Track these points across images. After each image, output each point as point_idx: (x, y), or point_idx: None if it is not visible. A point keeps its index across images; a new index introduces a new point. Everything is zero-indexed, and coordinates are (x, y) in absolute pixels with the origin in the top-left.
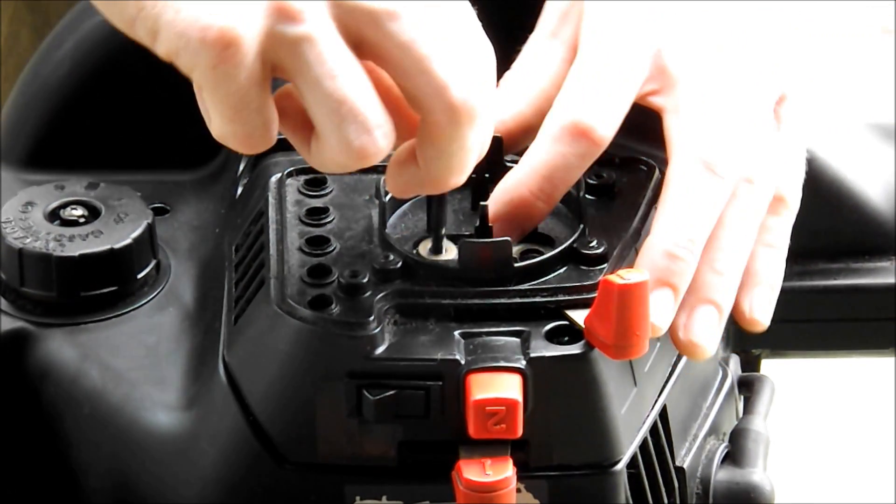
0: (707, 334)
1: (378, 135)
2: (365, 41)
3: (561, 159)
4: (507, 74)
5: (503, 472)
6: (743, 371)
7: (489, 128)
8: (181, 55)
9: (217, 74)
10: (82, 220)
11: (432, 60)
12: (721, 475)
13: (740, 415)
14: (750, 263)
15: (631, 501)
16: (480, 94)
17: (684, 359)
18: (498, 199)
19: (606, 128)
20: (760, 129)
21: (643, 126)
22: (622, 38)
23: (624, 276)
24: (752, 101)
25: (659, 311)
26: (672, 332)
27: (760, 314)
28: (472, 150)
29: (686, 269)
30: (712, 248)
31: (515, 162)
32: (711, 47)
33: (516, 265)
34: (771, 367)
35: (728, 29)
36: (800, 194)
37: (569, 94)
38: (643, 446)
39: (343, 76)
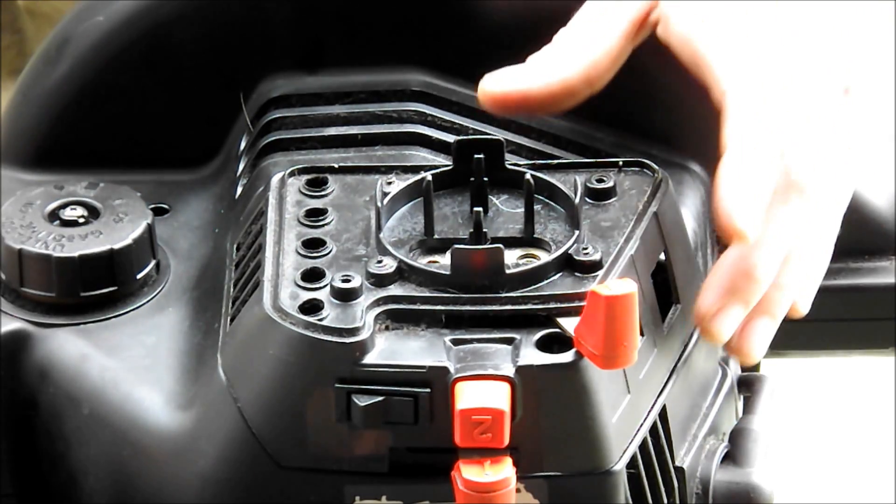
0: (761, 344)
1: None
2: None
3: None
4: (562, 32)
5: (502, 472)
6: (743, 371)
7: None
8: None
9: None
10: (82, 220)
11: None
12: (721, 475)
13: (740, 415)
14: None
15: (630, 501)
16: None
17: (684, 359)
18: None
19: None
20: (833, 135)
21: (645, 126)
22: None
23: (611, 287)
24: (826, 100)
25: (726, 326)
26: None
27: (804, 304)
28: None
29: (761, 289)
30: (781, 265)
31: (516, 165)
32: (786, 49)
33: (509, 272)
34: (771, 367)
35: (797, 9)
36: (855, 183)
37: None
38: (643, 446)
39: None
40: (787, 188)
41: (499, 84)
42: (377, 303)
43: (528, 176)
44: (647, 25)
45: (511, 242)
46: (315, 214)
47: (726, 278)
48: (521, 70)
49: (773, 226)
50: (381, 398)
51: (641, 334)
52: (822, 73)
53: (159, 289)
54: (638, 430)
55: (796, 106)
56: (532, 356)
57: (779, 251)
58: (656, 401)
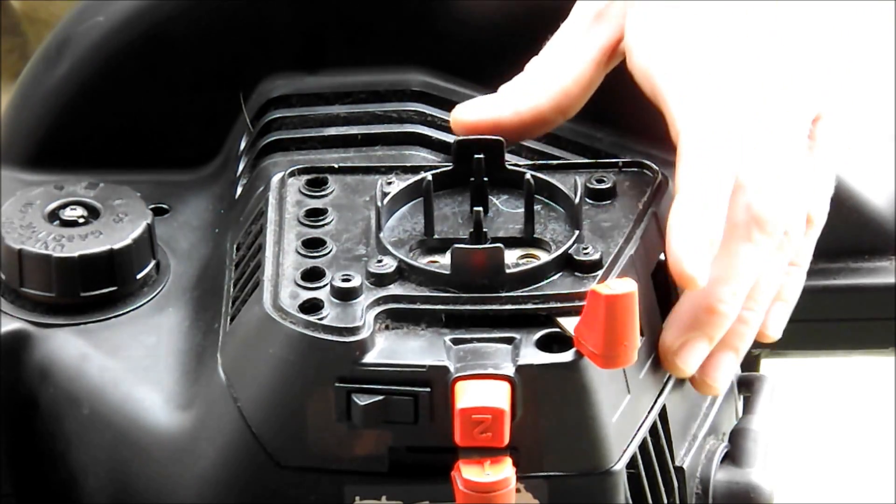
0: (724, 378)
1: None
2: None
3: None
4: (534, 61)
5: (502, 471)
6: (743, 371)
7: None
8: None
9: None
10: (82, 220)
11: None
12: (721, 475)
13: (740, 415)
14: None
15: (630, 501)
16: None
17: None
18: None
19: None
20: (799, 168)
21: (645, 126)
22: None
23: (611, 286)
24: (789, 131)
25: (691, 360)
26: None
27: (774, 330)
28: None
29: (725, 324)
30: (746, 299)
31: (516, 165)
32: (746, 72)
33: (509, 272)
34: (771, 367)
35: (764, 40)
36: (826, 211)
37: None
38: (643, 446)
39: None
40: (748, 223)
41: (470, 113)
42: (377, 302)
43: (528, 176)
44: (617, 53)
45: (511, 242)
46: (315, 214)
47: (690, 313)
48: (493, 99)
49: (736, 261)
50: (380, 397)
51: (641, 334)
52: (788, 104)
53: (159, 289)
54: (638, 430)
55: (756, 141)
56: (532, 356)
57: (743, 286)
58: (656, 401)
